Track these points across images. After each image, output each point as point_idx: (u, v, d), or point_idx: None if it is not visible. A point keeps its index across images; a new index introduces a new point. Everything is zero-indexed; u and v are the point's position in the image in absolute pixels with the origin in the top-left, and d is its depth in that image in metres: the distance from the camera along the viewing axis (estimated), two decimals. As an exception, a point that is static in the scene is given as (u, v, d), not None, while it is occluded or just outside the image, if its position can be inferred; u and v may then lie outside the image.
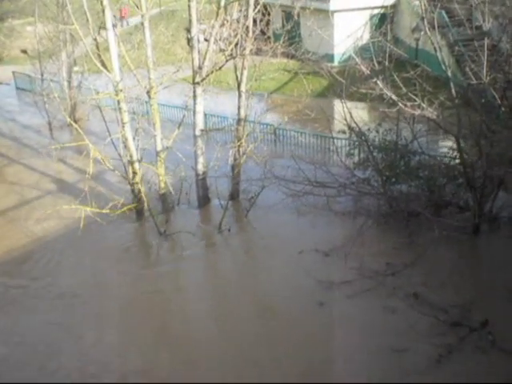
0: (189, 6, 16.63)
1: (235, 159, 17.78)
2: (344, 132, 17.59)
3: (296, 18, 19.21)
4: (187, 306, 13.85)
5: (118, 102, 16.49)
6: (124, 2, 16.37)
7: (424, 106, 14.70)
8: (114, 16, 26.10)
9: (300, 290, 13.70)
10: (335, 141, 19.06)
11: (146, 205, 17.13)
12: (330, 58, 32.25)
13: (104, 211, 16.51)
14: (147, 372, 11.52)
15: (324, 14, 32.17)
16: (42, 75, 25.45)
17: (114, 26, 16.15)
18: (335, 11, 32.54)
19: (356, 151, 18.16)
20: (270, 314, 13.13)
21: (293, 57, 25.80)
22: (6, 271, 15.61)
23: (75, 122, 22.20)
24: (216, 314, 13.54)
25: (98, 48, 16.59)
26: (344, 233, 15.62)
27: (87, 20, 16.62)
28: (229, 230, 16.65)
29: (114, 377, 11.45)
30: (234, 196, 18.19)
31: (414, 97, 14.91)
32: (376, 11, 32.99)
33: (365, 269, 13.95)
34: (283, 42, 18.08)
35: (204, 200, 18.19)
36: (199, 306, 13.74)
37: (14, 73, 35.48)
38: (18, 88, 35.00)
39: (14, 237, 17.16)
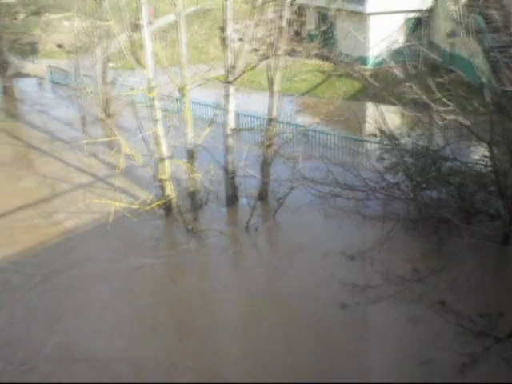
0: (224, 6, 16.69)
1: (265, 159, 17.79)
2: (375, 135, 17.49)
3: (331, 19, 19.15)
4: (209, 303, 13.91)
5: (151, 99, 16.64)
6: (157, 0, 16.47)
7: (457, 111, 14.55)
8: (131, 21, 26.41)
9: (323, 292, 13.69)
10: (366, 144, 18.96)
11: (174, 202, 17.25)
12: (363, 60, 32.09)
13: (133, 206, 16.71)
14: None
15: (359, 17, 32.12)
16: (77, 70, 25.73)
17: (150, 23, 16.27)
18: (371, 14, 32.37)
19: (387, 155, 18.01)
20: (292, 314, 13.11)
21: (326, 58, 25.87)
22: (36, 262, 15.86)
23: (108, 117, 22.41)
24: (237, 311, 13.61)
25: (132, 45, 16.75)
26: (371, 237, 15.53)
27: (123, 17, 16.84)
28: (255, 230, 16.68)
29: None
30: (262, 196, 18.22)
31: (447, 102, 14.76)
32: (412, 15, 32.75)
33: (391, 274, 13.79)
34: (317, 44, 18.05)
35: (232, 199, 18.24)
36: (222, 304, 13.82)
37: (49, 67, 35.99)
38: (52, 82, 35.49)
39: (45, 229, 17.40)
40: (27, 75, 37.12)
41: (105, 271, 15.16)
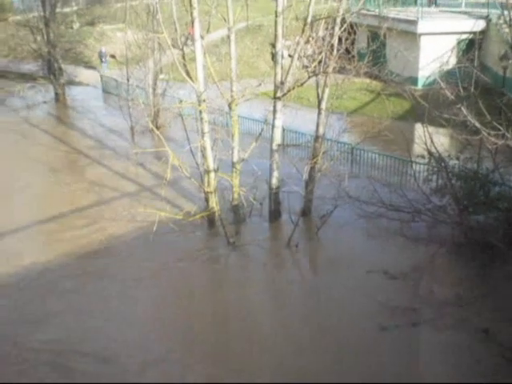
0: (275, 22, 16.80)
1: (310, 176, 17.76)
2: (423, 157, 17.31)
3: (382, 38, 19.05)
4: (245, 317, 13.89)
5: (200, 112, 16.84)
6: (211, 15, 16.66)
7: (508, 135, 14.29)
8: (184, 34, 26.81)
9: (363, 312, 13.51)
10: (413, 165, 18.76)
11: (217, 214, 17.35)
12: (413, 80, 31.85)
13: (177, 217, 16.89)
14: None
15: (411, 36, 31.94)
16: (129, 80, 26.20)
17: (202, 37, 16.49)
18: (422, 34, 32.14)
19: (434, 177, 17.80)
20: (330, 334, 12.96)
21: (376, 77, 25.75)
22: (80, 267, 16.14)
23: (157, 128, 22.72)
24: (274, 328, 13.50)
25: (184, 58, 17.00)
26: (415, 259, 15.33)
27: (176, 30, 17.11)
28: (296, 246, 16.63)
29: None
30: (305, 212, 18.17)
31: (498, 126, 14.52)
32: (464, 36, 32.40)
33: (433, 297, 13.63)
34: (367, 62, 17.97)
35: (275, 214, 18.24)
36: (258, 317, 13.79)
37: (101, 76, 36.75)
38: (104, 91, 36.22)
39: (90, 235, 17.68)
40: (79, 83, 37.93)
41: (144, 279, 15.32)
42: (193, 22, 16.25)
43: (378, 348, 12.37)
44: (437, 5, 39.34)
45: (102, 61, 38.38)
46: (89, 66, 41.05)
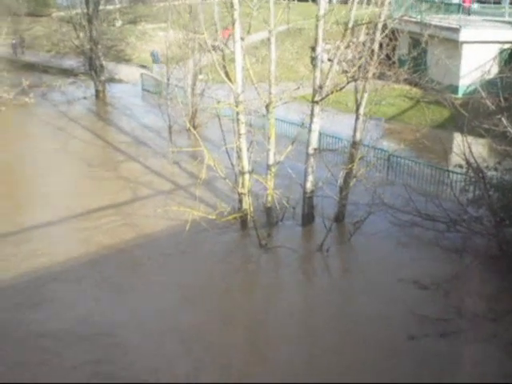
0: (316, 26, 16.78)
1: (345, 181, 17.66)
2: (461, 166, 17.08)
3: (423, 45, 18.86)
4: (275, 318, 13.94)
5: (237, 113, 16.90)
6: (251, 17, 16.71)
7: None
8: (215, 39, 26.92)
9: (391, 320, 13.41)
10: (450, 174, 18.53)
11: (250, 216, 17.37)
12: (454, 89, 31.45)
13: (210, 217, 16.96)
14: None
15: (452, 44, 31.54)
16: (168, 80, 26.38)
17: (242, 38, 16.54)
18: (464, 42, 31.77)
19: (471, 188, 17.55)
20: (356, 340, 12.90)
21: (416, 84, 25.46)
22: (116, 262, 16.35)
23: (194, 128, 22.84)
24: (301, 331, 13.49)
25: (224, 59, 17.06)
26: (447, 269, 15.08)
27: (216, 31, 17.19)
28: (327, 251, 16.55)
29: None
30: (339, 218, 18.07)
31: (539, 138, 14.27)
32: (506, 46, 31.87)
33: (464, 309, 13.42)
34: (408, 69, 17.82)
35: (308, 218, 18.19)
36: (285, 320, 13.73)
37: (141, 74, 37.10)
38: (143, 89, 36.56)
39: (123, 231, 17.89)
40: (120, 81, 38.34)
41: (173, 277, 15.46)
42: (233, 24, 16.33)
43: (405, 357, 12.25)
44: (470, 13, 38.88)
45: (154, 61, 38.56)
46: (130, 63, 41.49)
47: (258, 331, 13.60)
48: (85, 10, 34.53)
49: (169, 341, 12.80)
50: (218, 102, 18.59)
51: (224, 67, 16.91)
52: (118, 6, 40.01)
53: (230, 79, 16.71)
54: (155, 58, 36.73)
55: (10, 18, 37.17)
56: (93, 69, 35.28)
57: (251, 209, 17.36)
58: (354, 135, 17.93)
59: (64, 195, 20.57)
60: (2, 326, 13.32)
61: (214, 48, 17.53)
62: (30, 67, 39.12)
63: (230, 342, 12.95)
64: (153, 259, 16.37)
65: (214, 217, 17.10)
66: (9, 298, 14.41)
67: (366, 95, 17.44)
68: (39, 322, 13.46)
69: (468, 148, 16.00)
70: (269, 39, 17.03)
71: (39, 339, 12.76)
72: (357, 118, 17.80)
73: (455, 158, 18.15)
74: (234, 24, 16.32)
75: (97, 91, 35.53)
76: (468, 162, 16.26)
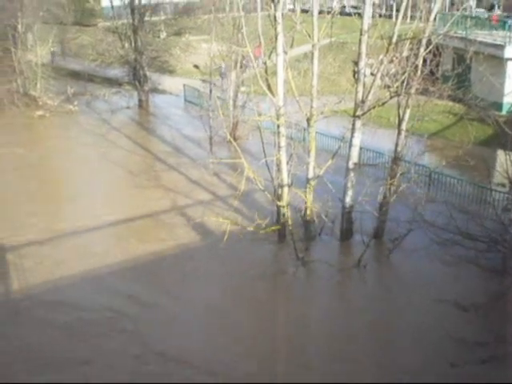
0: (360, 40, 16.71)
1: (385, 197, 17.48)
2: (504, 185, 16.75)
3: (468, 61, 18.62)
4: (309, 332, 13.87)
5: (278, 126, 16.90)
6: (295, 30, 16.76)
7: None
8: (244, 57, 26.90)
9: (430, 344, 13.12)
10: (493, 193, 18.18)
11: (288, 229, 17.30)
12: (498, 106, 30.92)
13: (248, 228, 16.95)
14: None
15: (497, 61, 31.08)
16: (211, 91, 26.55)
17: (285, 52, 16.56)
18: (509, 59, 31.26)
19: (514, 207, 17.19)
20: (399, 368, 12.60)
21: (459, 101, 25.11)
22: (152, 271, 16.48)
23: (234, 139, 22.92)
24: (335, 353, 13.31)
25: (266, 72, 17.10)
26: (488, 290, 14.80)
27: (259, 44, 17.24)
28: (364, 267, 16.37)
29: None
30: (378, 234, 17.88)
31: None
32: (552, 63, 31.29)
33: (506, 332, 13.09)
34: (451, 85, 17.60)
35: (347, 233, 18.03)
36: (319, 336, 13.69)
37: (184, 86, 37.44)
38: (186, 100, 36.88)
39: (161, 238, 18.06)
40: (163, 91, 38.76)
41: (210, 285, 15.57)
42: (276, 37, 16.37)
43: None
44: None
45: (221, 77, 37.95)
46: (174, 74, 41.93)
47: (291, 343, 13.50)
48: (130, 21, 35.08)
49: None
50: (259, 115, 18.59)
51: (266, 80, 16.95)
52: (163, 17, 40.49)
53: (271, 92, 16.73)
54: (222, 73, 36.45)
55: (56, 26, 38.05)
56: (137, 79, 35.77)
57: (289, 222, 17.30)
58: (396, 150, 17.75)
59: (104, 202, 20.88)
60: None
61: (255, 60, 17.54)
62: (76, 75, 39.99)
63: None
64: (188, 267, 16.47)
65: (251, 229, 17.11)
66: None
67: (408, 111, 17.27)
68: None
69: (511, 166, 15.68)
70: (312, 53, 17.01)
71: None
72: (398, 134, 17.63)
73: (498, 177, 17.81)
74: (276, 37, 16.36)
75: (140, 101, 35.97)
76: (511, 181, 15.93)
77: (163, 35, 40.08)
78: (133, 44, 35.25)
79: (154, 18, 38.24)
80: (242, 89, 28.60)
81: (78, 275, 15.93)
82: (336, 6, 38.69)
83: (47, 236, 18.11)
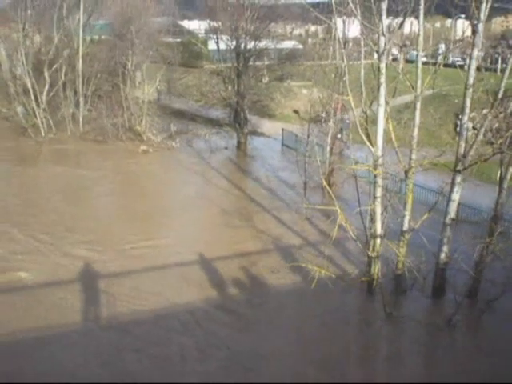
0: (464, 94, 16.39)
1: (481, 256, 16.83)
2: None
3: None
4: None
5: (375, 176, 16.72)
6: (398, 81, 16.68)
7: None
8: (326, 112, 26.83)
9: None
10: None
11: (378, 281, 16.94)
12: None
13: (337, 278, 16.73)
14: None
15: None
16: (309, 137, 26.72)
17: (387, 102, 16.46)
18: None
19: None
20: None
21: None
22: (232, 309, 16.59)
23: (329, 186, 22.87)
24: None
25: (366, 121, 17.04)
26: None
27: (361, 93, 17.24)
28: (454, 327, 15.73)
29: None
30: (471, 294, 17.15)
31: None
32: None
33: None
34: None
35: (438, 291, 17.43)
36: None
37: (282, 130, 37.91)
38: (283, 144, 37.29)
39: (247, 280, 18.16)
40: (261, 134, 39.40)
41: (295, 332, 15.49)
42: (378, 87, 16.32)
43: None
44: None
45: (341, 131, 36.62)
46: (273, 118, 42.59)
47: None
48: (235, 65, 36.08)
49: None
50: (356, 163, 18.47)
51: (366, 129, 16.87)
52: (266, 62, 41.36)
53: (370, 141, 16.62)
54: (344, 130, 35.89)
55: (164, 66, 39.70)
56: (237, 121, 36.62)
57: (379, 274, 16.95)
58: (496, 209, 17.13)
59: (195, 240, 21.27)
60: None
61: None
62: (179, 114, 41.40)
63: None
64: (272, 312, 16.46)
65: (341, 278, 16.87)
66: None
67: (511, 168, 16.70)
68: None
69: None
70: (414, 104, 16.83)
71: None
72: (500, 192, 17.03)
73: None
74: (379, 88, 16.31)
75: (239, 142, 36.75)
76: None
77: (266, 80, 40.89)
78: (236, 87, 36.22)
79: (258, 63, 39.16)
80: (339, 136, 28.63)
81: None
82: (441, 58, 38.25)
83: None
